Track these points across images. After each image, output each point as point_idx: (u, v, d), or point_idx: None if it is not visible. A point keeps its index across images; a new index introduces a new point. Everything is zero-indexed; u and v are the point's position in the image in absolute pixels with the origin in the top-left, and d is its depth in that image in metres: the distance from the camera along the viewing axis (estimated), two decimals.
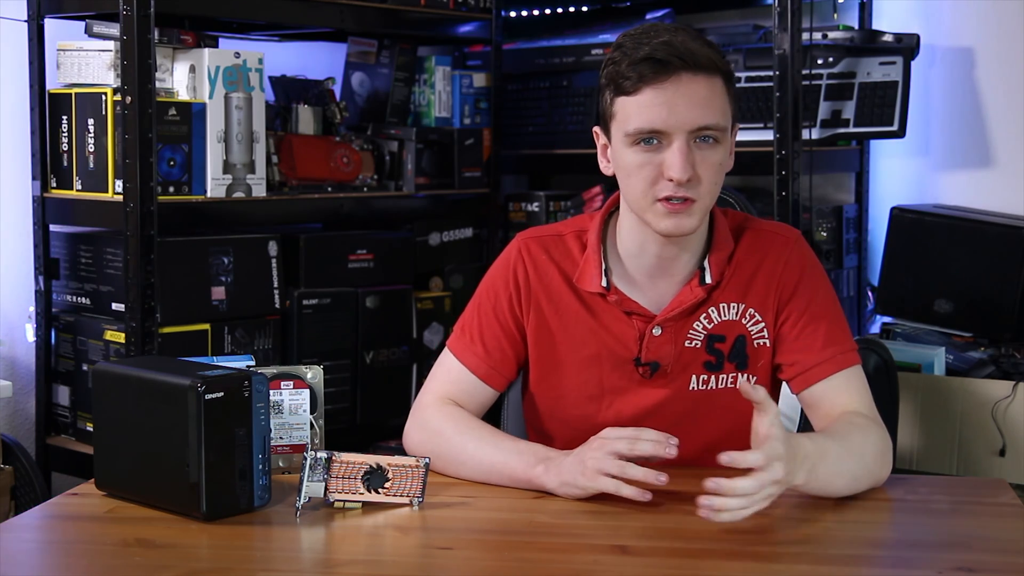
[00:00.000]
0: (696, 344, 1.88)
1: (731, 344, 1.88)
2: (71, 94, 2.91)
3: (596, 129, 1.89)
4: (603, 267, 1.89)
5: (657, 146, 1.77)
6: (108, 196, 2.84)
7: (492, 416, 1.99)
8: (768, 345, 1.88)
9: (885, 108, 3.24)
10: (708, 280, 1.86)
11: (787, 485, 1.61)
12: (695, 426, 1.86)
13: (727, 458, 1.56)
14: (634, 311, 1.88)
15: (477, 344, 1.95)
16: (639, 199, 1.80)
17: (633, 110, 1.77)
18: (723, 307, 1.88)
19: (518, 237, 1.99)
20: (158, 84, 2.82)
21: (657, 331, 1.87)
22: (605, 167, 1.88)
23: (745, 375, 1.88)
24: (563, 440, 1.90)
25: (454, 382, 1.94)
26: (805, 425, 1.98)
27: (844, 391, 1.84)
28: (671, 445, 1.66)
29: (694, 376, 1.88)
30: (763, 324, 1.88)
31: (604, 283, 1.88)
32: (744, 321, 1.88)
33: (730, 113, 1.81)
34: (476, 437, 1.85)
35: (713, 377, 1.88)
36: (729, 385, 1.88)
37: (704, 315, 1.88)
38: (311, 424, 1.87)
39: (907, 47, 3.29)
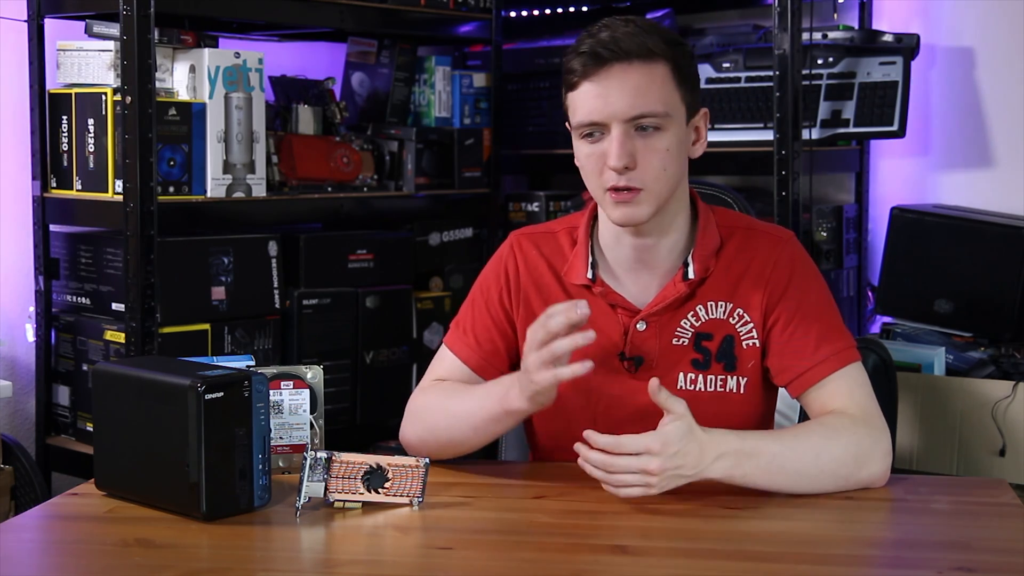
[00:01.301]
0: (683, 342, 1.88)
1: (719, 344, 1.88)
2: (71, 94, 2.91)
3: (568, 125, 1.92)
4: (590, 260, 1.91)
5: (600, 137, 1.81)
6: (108, 196, 2.84)
7: None
8: (757, 346, 1.88)
9: (885, 108, 3.24)
10: (691, 276, 1.87)
11: (681, 478, 1.66)
12: None
13: (584, 434, 1.67)
14: (619, 304, 1.89)
15: (469, 336, 1.96)
16: (594, 190, 1.85)
17: (576, 104, 1.82)
18: (711, 305, 1.88)
19: (512, 235, 2.02)
20: (158, 84, 2.82)
21: (641, 326, 1.88)
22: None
23: (735, 376, 1.88)
24: (556, 435, 1.92)
25: (447, 373, 1.96)
26: None
27: (839, 392, 1.83)
28: (580, 306, 1.67)
29: (682, 374, 1.88)
30: (752, 325, 1.88)
31: (590, 275, 1.90)
32: (732, 321, 1.88)
33: (679, 97, 1.82)
34: (454, 398, 1.87)
35: (701, 376, 1.88)
36: (718, 389, 1.88)
37: (691, 312, 1.88)
38: (311, 424, 1.87)
39: (907, 47, 3.29)
